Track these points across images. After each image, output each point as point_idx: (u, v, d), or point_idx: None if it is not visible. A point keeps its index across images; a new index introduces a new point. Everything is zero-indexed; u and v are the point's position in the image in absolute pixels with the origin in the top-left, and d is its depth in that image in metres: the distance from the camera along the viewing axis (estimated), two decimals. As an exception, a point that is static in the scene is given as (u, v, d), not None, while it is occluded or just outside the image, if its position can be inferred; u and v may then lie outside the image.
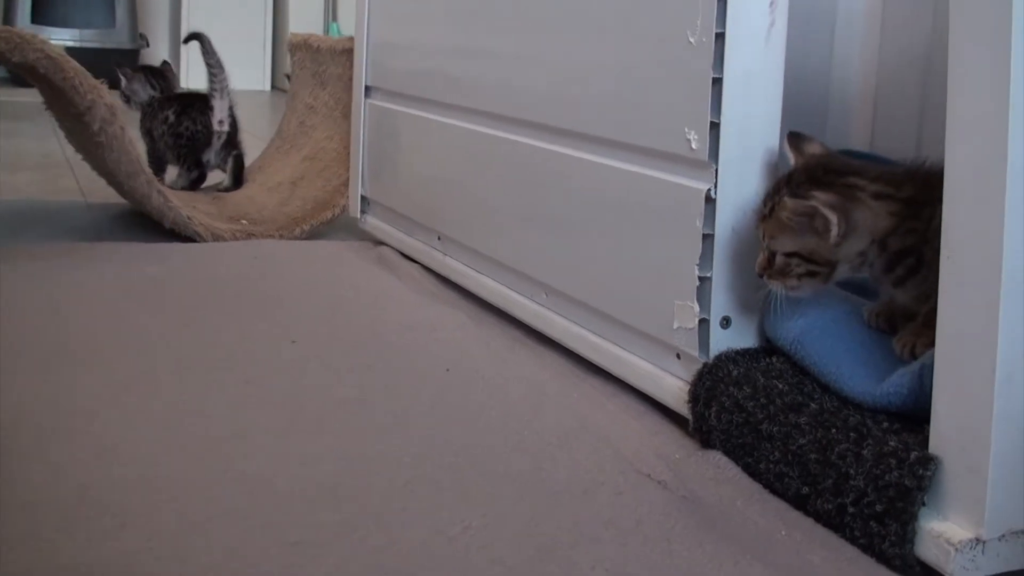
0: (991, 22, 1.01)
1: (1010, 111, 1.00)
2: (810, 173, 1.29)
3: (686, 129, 1.39)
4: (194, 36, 2.82)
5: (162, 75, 2.87)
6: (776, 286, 1.29)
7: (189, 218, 2.33)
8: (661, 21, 1.44)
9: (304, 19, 5.68)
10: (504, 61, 1.86)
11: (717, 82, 1.35)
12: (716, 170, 1.36)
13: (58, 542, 1.09)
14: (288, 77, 5.62)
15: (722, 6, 1.34)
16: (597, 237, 1.60)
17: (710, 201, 1.37)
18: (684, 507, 1.23)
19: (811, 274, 1.27)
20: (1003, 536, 1.06)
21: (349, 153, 2.58)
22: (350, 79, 2.64)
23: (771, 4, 1.35)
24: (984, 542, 1.05)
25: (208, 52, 2.75)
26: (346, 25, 5.61)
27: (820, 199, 1.22)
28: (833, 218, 1.22)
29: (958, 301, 1.06)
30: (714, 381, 1.35)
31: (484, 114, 1.93)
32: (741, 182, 1.37)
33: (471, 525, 1.16)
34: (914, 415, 1.18)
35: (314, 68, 2.80)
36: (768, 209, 1.29)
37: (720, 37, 1.35)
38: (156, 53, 5.67)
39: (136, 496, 1.19)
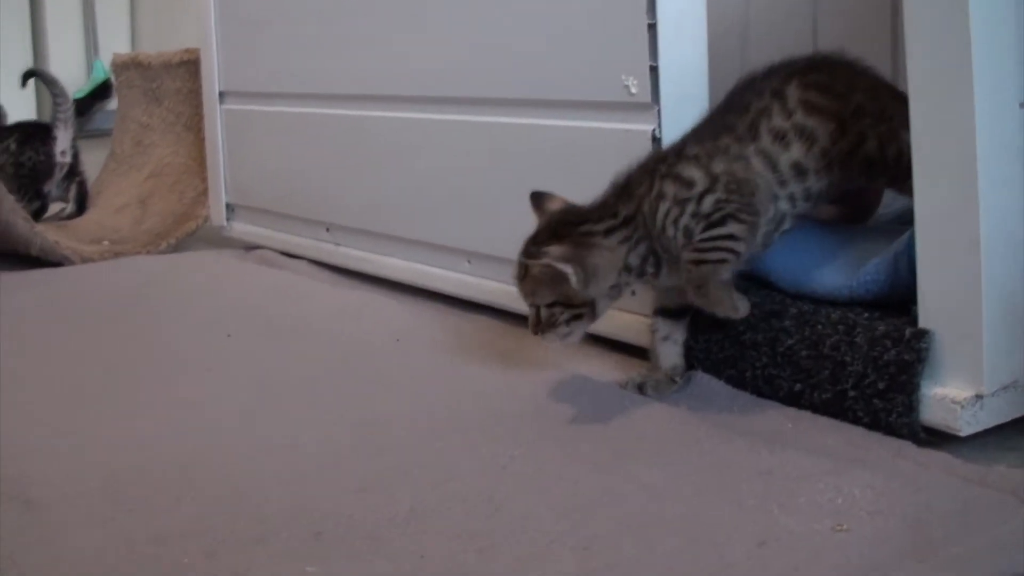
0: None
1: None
2: (551, 230, 1.36)
3: (623, 76, 1.49)
4: (31, 73, 2.76)
5: (-9, 114, 2.79)
6: (551, 339, 1.36)
7: (56, 243, 2.28)
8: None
9: (64, 59, 5.50)
10: (406, 41, 1.91)
11: (652, 27, 1.45)
12: (659, 111, 1.46)
13: (120, 519, 1.09)
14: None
15: (652, -45, 1.44)
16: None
17: (656, 140, 1.47)
18: (692, 417, 1.32)
19: (576, 317, 1.34)
20: (996, 391, 1.19)
21: (199, 164, 2.56)
22: (190, 91, 2.63)
23: (693, -48, 1.46)
24: (983, 397, 1.18)
25: (51, 83, 2.71)
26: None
27: (552, 254, 1.30)
28: (568, 268, 1.30)
29: (934, 180, 1.19)
30: (685, 306, 1.44)
31: (384, 98, 1.97)
32: (681, 120, 1.46)
33: (515, 455, 1.22)
34: (888, 303, 1.30)
35: (146, 85, 2.76)
36: (523, 271, 1.35)
37: (652, -16, 1.45)
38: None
39: (176, 476, 1.19)
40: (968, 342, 1.19)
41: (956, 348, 1.20)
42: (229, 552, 1.01)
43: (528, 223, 1.65)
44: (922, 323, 1.22)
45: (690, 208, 1.31)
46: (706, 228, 1.30)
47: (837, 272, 1.35)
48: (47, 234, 2.28)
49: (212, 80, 2.43)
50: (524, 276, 1.35)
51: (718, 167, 1.32)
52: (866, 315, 1.29)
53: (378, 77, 1.97)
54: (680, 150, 1.36)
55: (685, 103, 1.47)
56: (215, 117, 2.44)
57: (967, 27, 1.14)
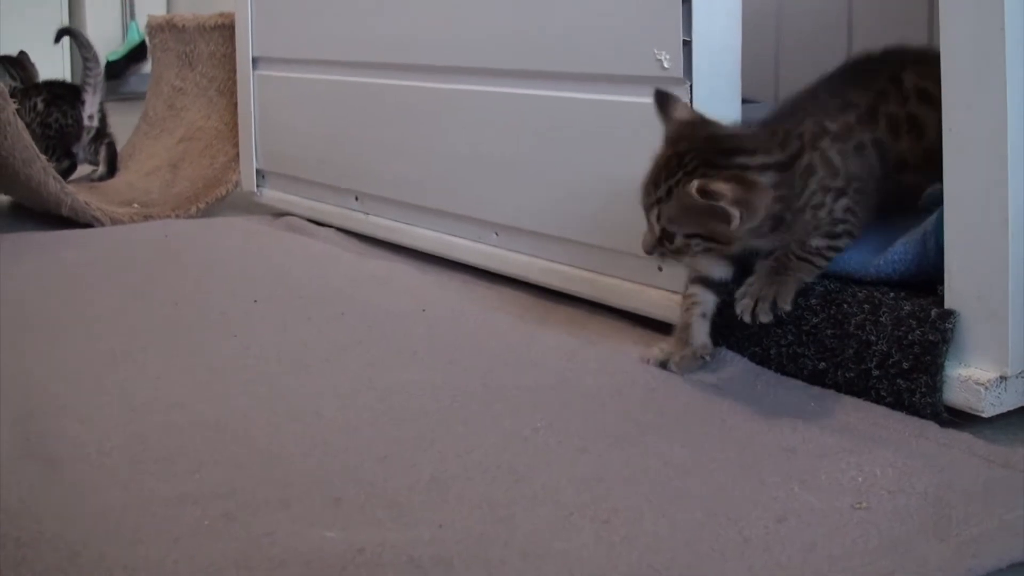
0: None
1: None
2: (702, 155, 1.27)
3: (656, 50, 1.48)
4: (65, 31, 2.77)
5: (21, 65, 2.79)
6: (673, 264, 1.34)
7: (87, 203, 2.29)
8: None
9: (99, 20, 5.52)
10: (439, 11, 1.91)
11: (686, 2, 1.44)
12: (691, 86, 1.46)
13: (141, 480, 1.10)
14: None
15: (684, -71, 1.43)
16: (562, 170, 1.66)
17: (687, 115, 1.46)
18: (715, 393, 1.32)
19: (708, 251, 1.30)
20: (1020, 373, 1.19)
21: (231, 130, 2.57)
22: (223, 55, 2.63)
23: (726, -75, 1.45)
24: (1007, 379, 1.18)
25: (84, 45, 2.71)
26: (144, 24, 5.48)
27: (727, 197, 1.21)
28: (735, 211, 1.22)
29: (963, 160, 1.19)
30: (711, 281, 1.43)
31: (417, 68, 1.97)
32: (713, 96, 1.46)
33: (538, 427, 1.22)
34: (915, 283, 1.30)
35: (180, 48, 2.76)
36: (665, 191, 1.28)
37: (685, -42, 1.44)
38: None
39: (198, 439, 1.20)
40: (994, 323, 1.18)
41: (981, 329, 1.19)
42: (249, 515, 1.02)
43: (556, 196, 1.65)
44: (948, 303, 1.22)
45: (829, 202, 1.30)
46: (826, 235, 1.31)
47: (864, 251, 1.34)
48: (78, 195, 2.29)
49: (246, 45, 2.44)
50: (665, 198, 1.27)
51: (852, 165, 1.31)
52: (892, 294, 1.29)
53: (411, 46, 1.97)
54: (820, 120, 1.32)
55: (718, 78, 1.47)
56: (248, 83, 2.45)
57: (1001, 10, 1.13)
